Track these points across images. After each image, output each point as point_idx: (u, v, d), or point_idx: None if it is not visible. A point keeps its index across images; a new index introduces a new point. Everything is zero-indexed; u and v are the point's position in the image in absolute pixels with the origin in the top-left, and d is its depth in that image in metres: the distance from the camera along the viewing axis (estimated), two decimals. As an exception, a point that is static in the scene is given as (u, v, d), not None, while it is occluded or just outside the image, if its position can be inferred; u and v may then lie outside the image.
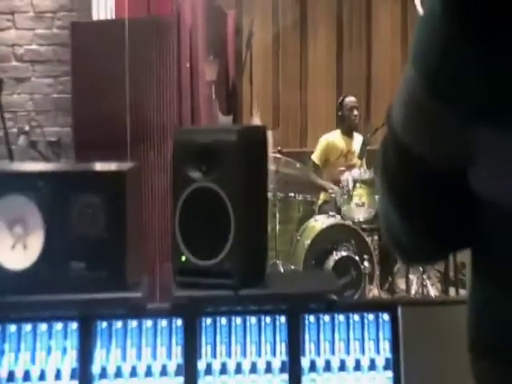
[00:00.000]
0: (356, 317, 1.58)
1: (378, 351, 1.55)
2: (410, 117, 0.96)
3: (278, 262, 3.87)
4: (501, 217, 0.94)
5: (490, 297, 0.98)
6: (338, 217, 4.00)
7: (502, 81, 0.85)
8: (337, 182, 4.16)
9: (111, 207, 1.51)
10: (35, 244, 1.46)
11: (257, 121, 4.30)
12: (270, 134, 3.97)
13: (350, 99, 4.60)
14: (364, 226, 3.96)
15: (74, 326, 1.48)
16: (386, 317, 1.57)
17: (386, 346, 1.56)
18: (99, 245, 1.50)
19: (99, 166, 1.74)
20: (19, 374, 1.46)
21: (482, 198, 0.95)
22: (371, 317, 1.57)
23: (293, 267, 3.91)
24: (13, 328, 1.48)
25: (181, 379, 1.52)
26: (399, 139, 0.97)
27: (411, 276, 3.90)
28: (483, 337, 1.00)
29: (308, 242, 3.82)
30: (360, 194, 3.88)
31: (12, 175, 1.67)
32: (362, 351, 1.54)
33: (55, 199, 1.53)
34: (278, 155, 4.10)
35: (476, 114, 0.88)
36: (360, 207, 3.91)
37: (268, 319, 1.58)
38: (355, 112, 4.51)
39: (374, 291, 3.73)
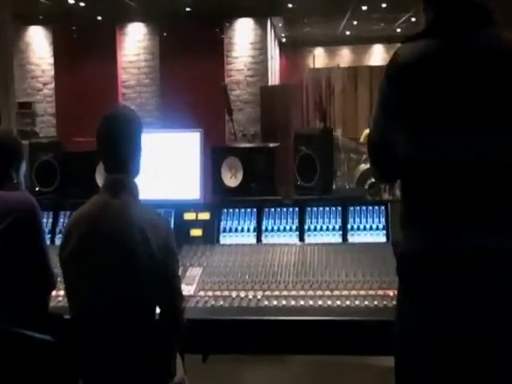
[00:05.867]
0: (371, 207, 2.85)
1: (378, 221, 2.84)
2: (374, 125, 1.77)
3: (346, 184, 6.90)
4: (406, 165, 1.67)
5: (405, 199, 1.73)
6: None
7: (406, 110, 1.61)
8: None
9: (271, 160, 3.05)
10: (239, 176, 3.06)
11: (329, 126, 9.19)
12: (339, 130, 8.91)
13: None
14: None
15: (254, 210, 2.89)
16: (383, 207, 2.86)
17: (382, 218, 2.81)
18: (261, 175, 3.05)
19: (269, 145, 3.25)
20: (233, 228, 2.89)
21: (399, 157, 1.67)
22: (376, 208, 2.85)
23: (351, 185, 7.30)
24: (231, 210, 2.93)
25: (297, 233, 2.82)
26: (371, 135, 1.81)
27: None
28: (403, 217, 1.72)
29: (358, 174, 7.63)
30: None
31: (233, 147, 3.25)
32: (372, 221, 2.83)
33: (247, 157, 3.06)
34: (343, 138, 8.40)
35: (395, 121, 1.64)
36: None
37: (333, 208, 2.86)
38: None
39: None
